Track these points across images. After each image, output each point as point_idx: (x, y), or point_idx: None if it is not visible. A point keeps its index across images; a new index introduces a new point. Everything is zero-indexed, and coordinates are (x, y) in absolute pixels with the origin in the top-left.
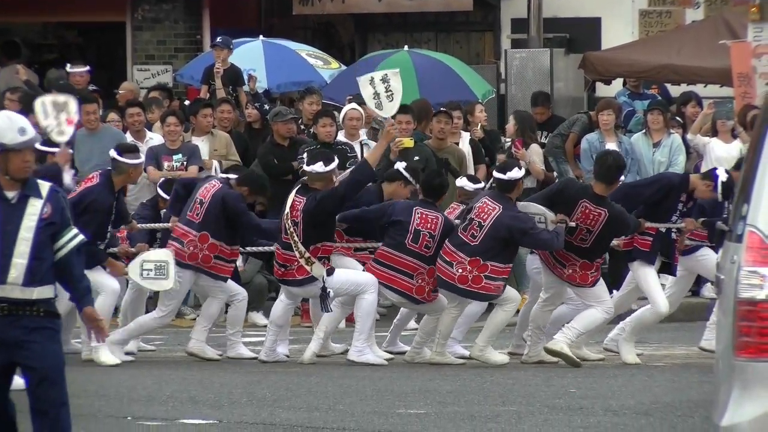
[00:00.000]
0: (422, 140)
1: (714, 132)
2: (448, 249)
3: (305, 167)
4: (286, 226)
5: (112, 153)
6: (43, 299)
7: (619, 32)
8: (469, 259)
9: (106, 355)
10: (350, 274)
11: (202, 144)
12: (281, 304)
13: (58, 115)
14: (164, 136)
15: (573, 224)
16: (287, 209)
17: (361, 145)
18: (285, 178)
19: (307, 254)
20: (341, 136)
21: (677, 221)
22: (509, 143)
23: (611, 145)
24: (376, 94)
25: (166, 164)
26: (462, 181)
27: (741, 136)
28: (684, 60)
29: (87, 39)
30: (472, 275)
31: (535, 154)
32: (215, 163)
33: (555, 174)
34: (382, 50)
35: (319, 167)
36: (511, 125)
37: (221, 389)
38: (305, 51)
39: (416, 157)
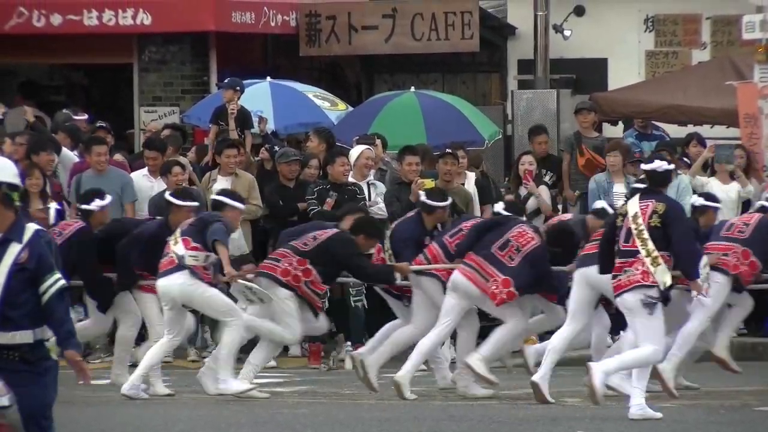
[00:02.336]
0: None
1: (712, 172)
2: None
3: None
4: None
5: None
6: (21, 344)
7: (625, 73)
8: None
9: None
10: None
11: (225, 185)
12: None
13: None
14: (170, 185)
15: None
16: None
17: (368, 185)
18: (291, 219)
19: (655, 253)
20: (349, 177)
21: None
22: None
23: (619, 186)
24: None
25: None
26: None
27: (740, 180)
28: (690, 100)
29: (93, 80)
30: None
31: (543, 192)
32: None
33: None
34: (388, 91)
35: None
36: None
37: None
38: (312, 92)
39: None
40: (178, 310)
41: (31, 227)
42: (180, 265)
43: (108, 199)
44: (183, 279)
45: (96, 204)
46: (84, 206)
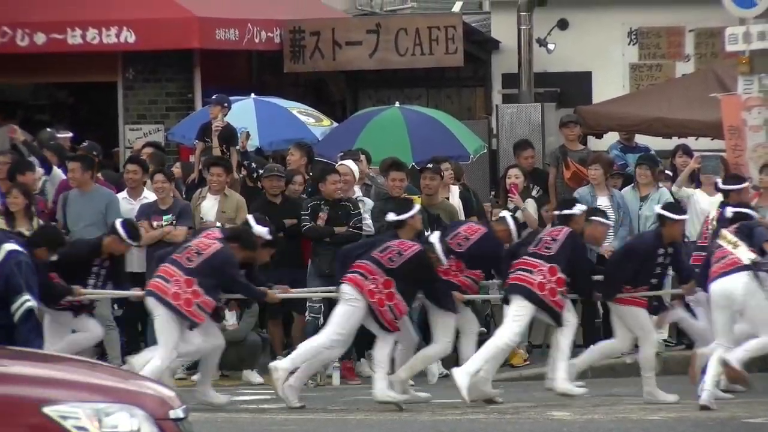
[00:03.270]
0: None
1: (698, 184)
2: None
3: None
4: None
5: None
6: None
7: (610, 86)
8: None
9: None
10: None
11: (213, 204)
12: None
13: None
14: (155, 193)
15: None
16: None
17: (357, 201)
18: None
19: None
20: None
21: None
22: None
23: (602, 199)
24: None
25: (155, 223)
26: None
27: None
28: (675, 113)
29: (78, 99)
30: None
31: (530, 205)
32: (217, 225)
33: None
34: (373, 106)
35: None
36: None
37: None
38: (297, 108)
39: None
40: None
41: (5, 248)
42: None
43: None
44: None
45: None
46: None
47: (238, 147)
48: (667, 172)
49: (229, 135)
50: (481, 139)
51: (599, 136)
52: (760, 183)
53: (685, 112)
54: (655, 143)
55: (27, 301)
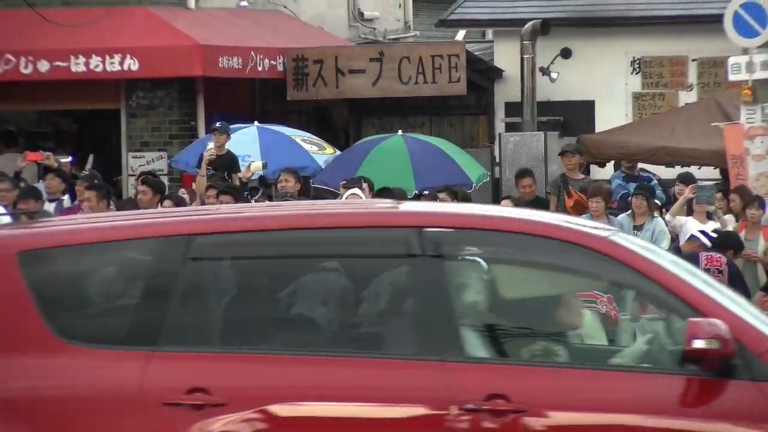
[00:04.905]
0: None
1: (689, 212)
2: None
3: None
4: None
5: None
6: None
7: (613, 114)
8: None
9: None
10: None
11: None
12: None
13: None
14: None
15: None
16: None
17: None
18: None
19: None
20: None
21: None
22: None
23: None
24: None
25: None
26: None
27: (720, 220)
28: (677, 142)
29: (82, 126)
30: None
31: None
32: None
33: None
34: (376, 134)
35: None
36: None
37: None
38: (300, 137)
39: None
40: None
41: None
42: None
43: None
44: None
45: None
46: None
47: (240, 175)
48: (656, 201)
49: (230, 162)
50: (484, 168)
51: (602, 165)
52: (749, 217)
53: (687, 141)
54: (657, 172)
55: None
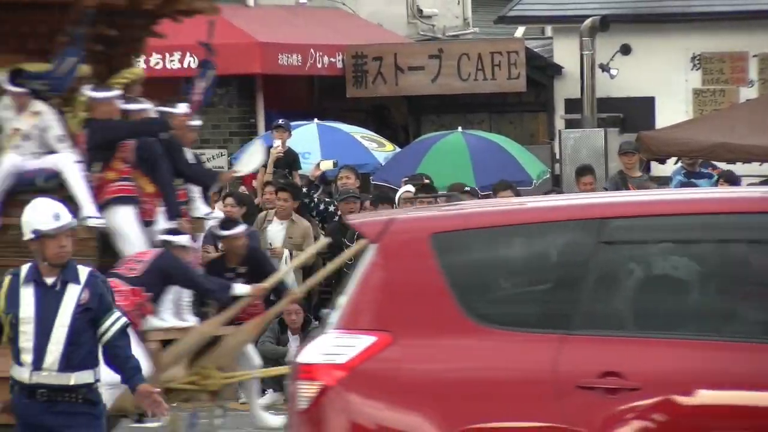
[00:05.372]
0: None
1: None
2: None
3: None
4: None
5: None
6: (82, 385)
7: (673, 111)
8: None
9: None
10: None
11: (279, 229)
12: None
13: None
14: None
15: None
16: None
17: None
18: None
19: None
20: None
21: None
22: None
23: None
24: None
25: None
26: None
27: None
28: (738, 138)
29: None
30: None
31: None
32: (286, 253)
33: None
34: (435, 131)
35: None
36: None
37: None
38: (360, 134)
39: None
40: None
41: (85, 268)
42: None
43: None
44: None
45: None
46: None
47: (309, 174)
48: None
49: (291, 159)
50: (544, 164)
51: (662, 162)
52: None
53: (748, 138)
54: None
55: (121, 317)
